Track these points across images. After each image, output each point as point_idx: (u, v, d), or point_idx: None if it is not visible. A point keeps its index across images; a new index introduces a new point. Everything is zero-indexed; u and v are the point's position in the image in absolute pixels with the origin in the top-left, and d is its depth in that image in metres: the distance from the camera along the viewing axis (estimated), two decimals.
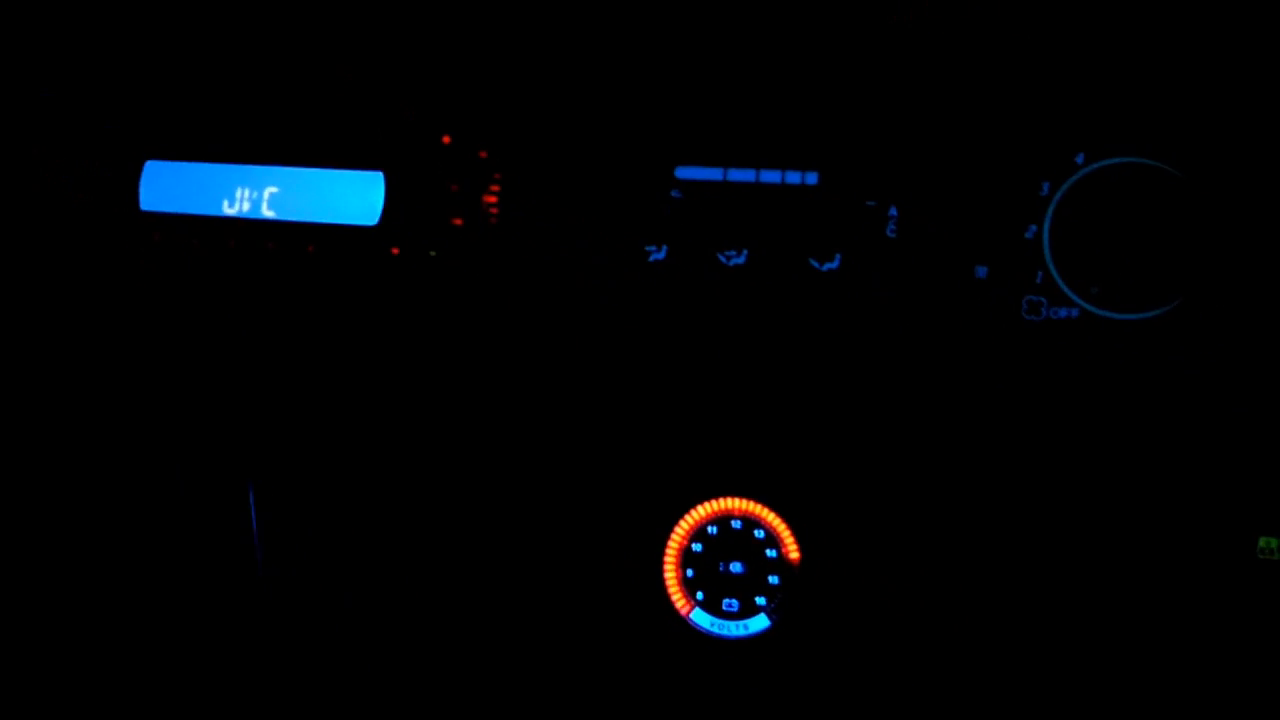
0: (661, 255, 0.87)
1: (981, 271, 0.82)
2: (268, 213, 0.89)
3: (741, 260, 0.86)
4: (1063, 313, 0.81)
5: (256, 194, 0.90)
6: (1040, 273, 0.81)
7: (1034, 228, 0.82)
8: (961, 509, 0.87)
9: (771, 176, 0.86)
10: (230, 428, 0.96)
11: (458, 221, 0.87)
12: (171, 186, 0.91)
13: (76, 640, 0.98)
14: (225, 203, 0.90)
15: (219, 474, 0.96)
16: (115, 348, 0.94)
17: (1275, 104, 0.78)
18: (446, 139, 0.87)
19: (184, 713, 0.96)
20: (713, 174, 0.87)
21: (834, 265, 0.85)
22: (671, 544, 0.93)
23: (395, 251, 0.87)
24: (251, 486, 0.96)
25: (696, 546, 0.92)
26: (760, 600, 0.91)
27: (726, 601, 0.92)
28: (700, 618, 0.92)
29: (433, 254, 0.87)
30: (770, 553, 0.91)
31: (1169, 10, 0.79)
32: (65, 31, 0.94)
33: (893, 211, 0.84)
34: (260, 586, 0.97)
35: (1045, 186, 0.82)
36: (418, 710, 0.95)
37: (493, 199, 0.87)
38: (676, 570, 0.92)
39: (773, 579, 0.91)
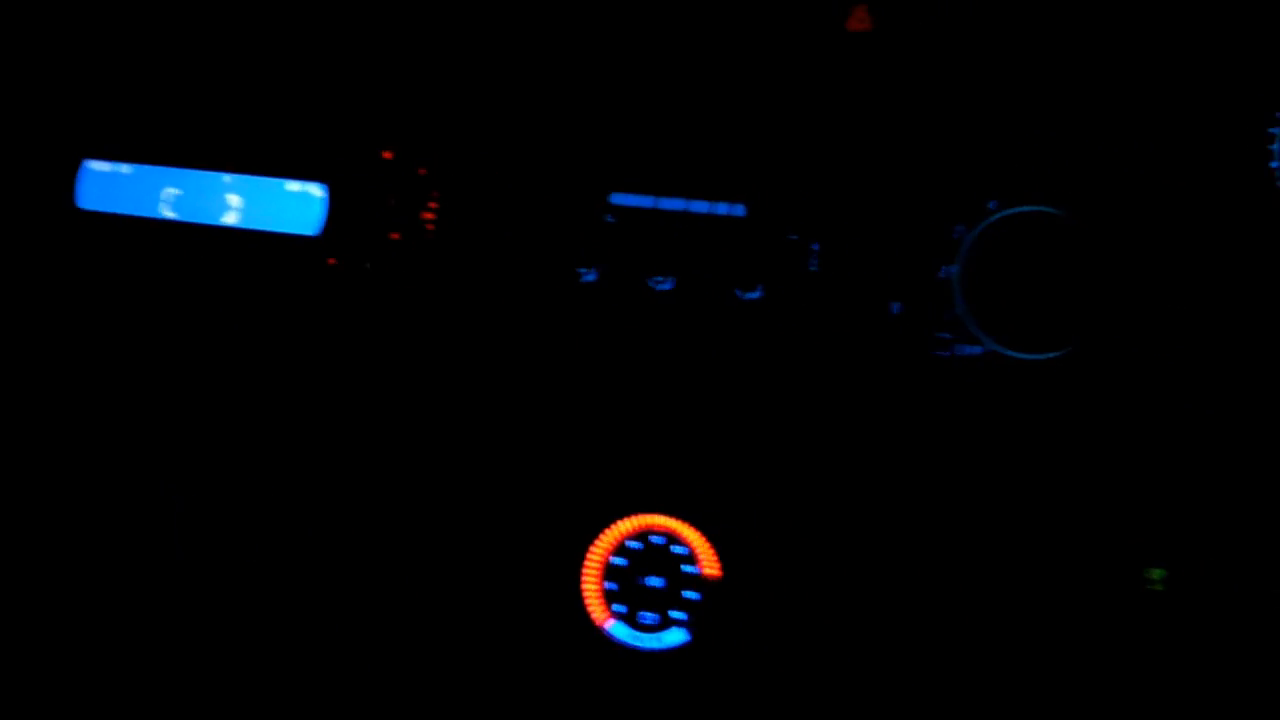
0: (593, 277, 0.89)
1: (896, 307, 0.86)
2: (206, 217, 0.90)
3: (669, 286, 0.89)
4: (969, 350, 0.85)
5: (197, 197, 0.90)
6: (950, 311, 0.85)
7: (947, 269, 0.86)
8: (873, 531, 0.90)
9: (701, 206, 0.89)
10: (157, 432, 0.95)
11: (395, 235, 0.88)
12: (109, 186, 0.92)
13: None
14: (164, 205, 0.91)
15: (144, 479, 0.96)
16: (42, 348, 0.94)
17: (1173, 163, 0.83)
18: (388, 154, 0.89)
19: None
20: (645, 201, 0.89)
21: (757, 295, 0.88)
22: (593, 555, 0.94)
23: (332, 262, 0.88)
24: (177, 496, 0.96)
25: (620, 560, 0.94)
26: (678, 615, 0.93)
27: (644, 615, 0.94)
28: (618, 630, 0.94)
29: (368, 266, 0.88)
30: (689, 569, 0.94)
31: (1086, 67, 0.84)
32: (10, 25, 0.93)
33: (815, 246, 0.87)
34: (178, 601, 0.96)
35: (959, 229, 0.86)
36: (328, 710, 0.95)
37: (430, 215, 0.89)
38: (598, 582, 0.94)
39: (691, 594, 0.93)
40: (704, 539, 0.92)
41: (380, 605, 0.95)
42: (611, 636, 0.93)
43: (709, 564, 0.92)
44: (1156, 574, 0.86)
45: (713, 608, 0.92)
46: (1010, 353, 0.84)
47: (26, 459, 0.96)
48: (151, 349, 0.93)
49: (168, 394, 0.95)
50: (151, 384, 0.94)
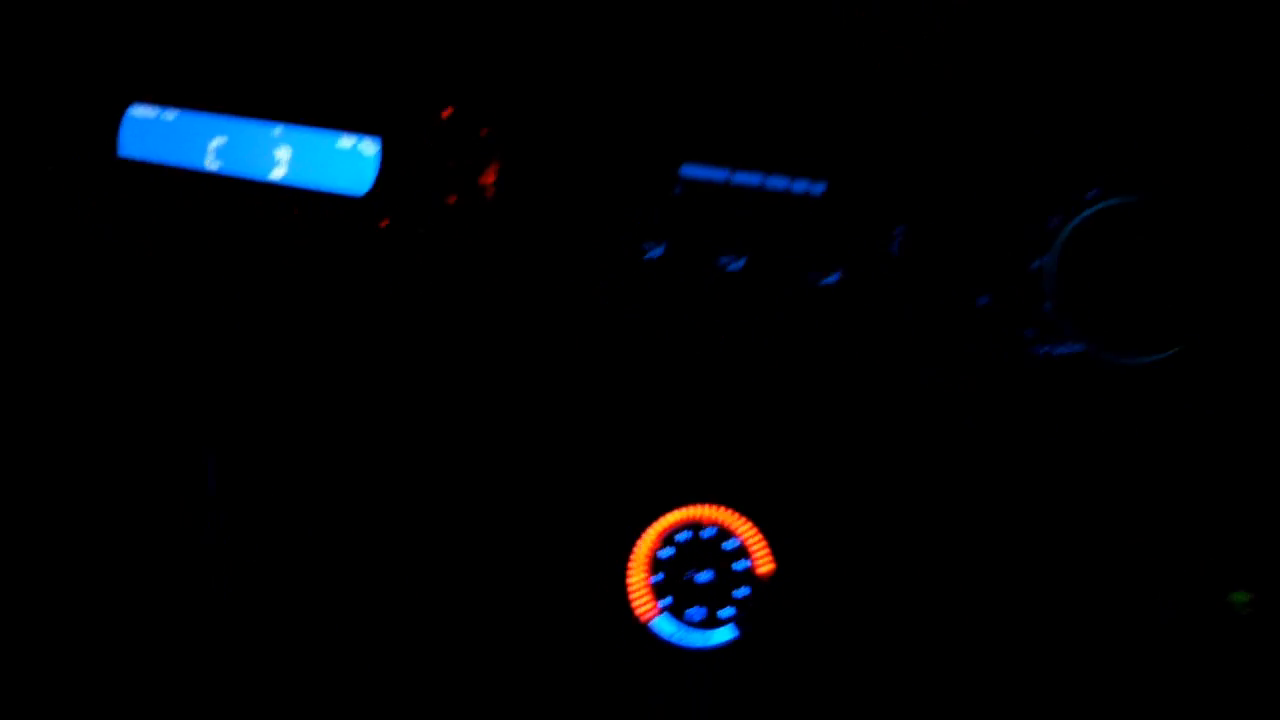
0: (658, 253, 0.85)
1: (984, 300, 0.81)
2: (252, 171, 0.86)
3: (739, 266, 0.84)
4: (1063, 349, 0.80)
5: (242, 149, 0.86)
6: (1043, 306, 0.80)
7: (1040, 260, 0.80)
8: (943, 535, 0.86)
9: (778, 183, 0.84)
10: (194, 396, 0.92)
11: (452, 199, 0.84)
12: (153, 134, 0.88)
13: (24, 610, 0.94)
14: (212, 156, 0.87)
15: (179, 444, 0.93)
16: (79, 303, 0.91)
17: None
18: (448, 112, 0.84)
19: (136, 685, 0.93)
20: (718, 174, 0.84)
21: (833, 280, 0.83)
22: (640, 547, 0.91)
23: (384, 224, 0.84)
24: (211, 460, 0.93)
25: (666, 552, 0.90)
26: (727, 612, 0.89)
27: (692, 611, 0.90)
28: (663, 625, 0.90)
29: (422, 231, 0.84)
30: (740, 564, 0.90)
31: (1198, 50, 0.78)
32: None
33: (899, 230, 0.82)
34: (215, 562, 0.93)
35: (1054, 220, 0.80)
36: (366, 707, 0.92)
37: (490, 179, 0.85)
38: (645, 574, 0.90)
39: (741, 591, 0.89)
40: (758, 533, 0.89)
41: (423, 596, 0.92)
42: (656, 633, 0.90)
43: (762, 559, 0.89)
44: (1241, 598, 0.81)
45: (764, 605, 0.88)
46: (1107, 354, 0.79)
47: (61, 410, 0.94)
48: (188, 308, 0.89)
49: (202, 358, 0.92)
50: (186, 346, 0.91)
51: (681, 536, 0.90)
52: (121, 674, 0.93)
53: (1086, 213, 0.79)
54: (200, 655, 0.93)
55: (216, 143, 0.87)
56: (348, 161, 0.85)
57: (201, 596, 0.94)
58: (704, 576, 0.90)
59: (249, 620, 0.94)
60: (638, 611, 0.90)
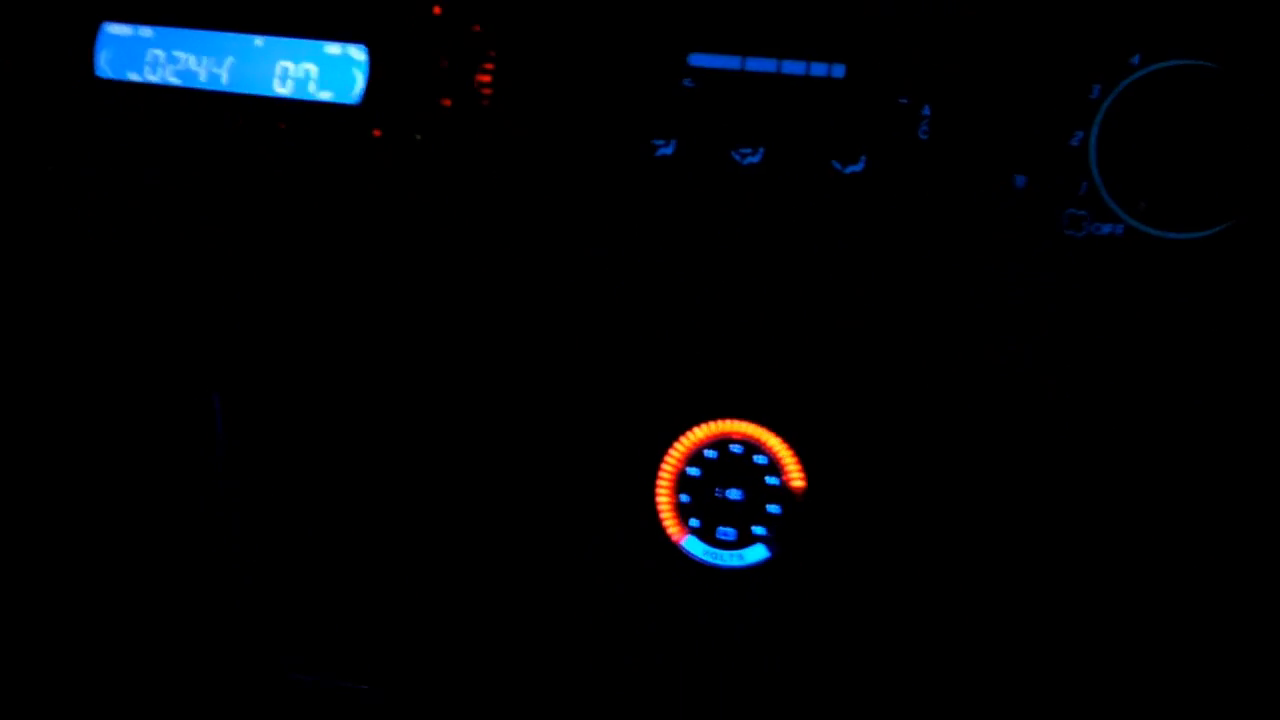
0: (670, 150, 0.80)
1: (1020, 181, 0.76)
2: (236, 85, 0.82)
3: (757, 159, 0.79)
4: (1106, 229, 0.75)
5: (223, 63, 0.82)
6: (1085, 184, 0.75)
7: (1080, 134, 0.75)
8: (981, 440, 0.82)
9: (794, 68, 0.79)
10: (192, 328, 0.90)
11: (446, 102, 0.80)
12: (130, 51, 0.84)
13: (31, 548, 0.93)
14: (191, 72, 0.83)
15: (181, 379, 0.91)
16: (63, 232, 0.88)
17: None
18: (437, 9, 0.80)
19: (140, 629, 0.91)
20: (729, 62, 0.80)
21: (858, 168, 0.78)
22: (666, 468, 0.88)
23: (377, 134, 0.80)
24: (216, 397, 0.90)
25: (693, 471, 0.87)
26: (759, 530, 0.86)
27: (722, 530, 0.87)
28: (693, 546, 0.87)
29: (418, 137, 0.80)
30: (771, 480, 0.86)
31: None
32: None
33: (925, 111, 0.77)
34: (222, 501, 0.91)
35: (1096, 89, 0.75)
36: (390, 633, 0.91)
37: (486, 78, 0.81)
38: (671, 496, 0.87)
39: (773, 508, 0.86)
40: (788, 447, 0.86)
41: (446, 520, 0.90)
42: (687, 553, 0.87)
43: (794, 475, 0.86)
44: None
45: (796, 522, 0.85)
46: (1154, 231, 0.74)
47: (47, 338, 0.92)
48: (178, 231, 0.86)
49: (198, 288, 0.88)
50: (179, 277, 0.88)
51: (709, 454, 0.87)
52: (128, 613, 0.91)
53: (1130, 79, 0.74)
54: (210, 595, 0.91)
55: (197, 58, 0.83)
56: (336, 70, 0.81)
57: (211, 537, 0.92)
58: (734, 494, 0.87)
59: (259, 556, 0.92)
60: (668, 532, 0.87)
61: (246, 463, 0.91)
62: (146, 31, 0.83)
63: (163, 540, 0.92)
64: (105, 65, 0.84)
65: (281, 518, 0.92)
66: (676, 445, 0.87)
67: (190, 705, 0.90)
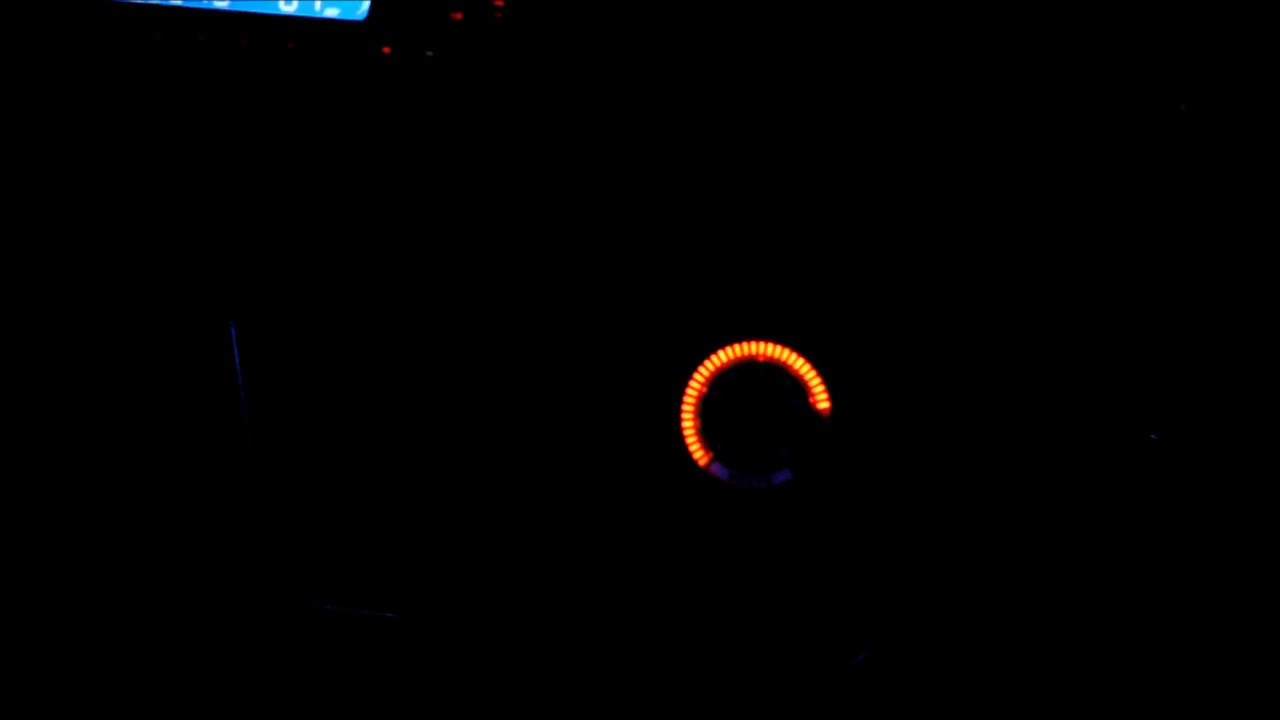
0: None
1: None
2: (239, 3, 0.80)
3: None
4: None
5: None
6: None
7: None
8: (1013, 364, 0.82)
9: None
10: (205, 256, 0.88)
11: (457, 16, 0.78)
12: None
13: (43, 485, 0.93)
14: None
15: (195, 309, 0.89)
16: (64, 158, 0.86)
17: None
18: None
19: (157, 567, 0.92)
20: None
21: None
22: (690, 390, 0.87)
23: (386, 51, 0.78)
24: (233, 325, 0.89)
25: (717, 394, 0.86)
26: (784, 452, 0.86)
27: (747, 452, 0.86)
28: (719, 469, 0.87)
29: (429, 54, 0.78)
30: (796, 402, 0.85)
31: None
32: None
33: None
34: (244, 431, 0.90)
35: None
36: (414, 562, 0.90)
37: None
38: (695, 419, 0.87)
39: (797, 431, 0.85)
40: (813, 369, 0.85)
41: (470, 448, 0.89)
42: (714, 475, 0.87)
43: (819, 396, 0.85)
44: None
45: (821, 444, 0.85)
46: None
47: (67, 280, 0.90)
48: (183, 155, 0.85)
49: (208, 215, 0.87)
50: (187, 203, 0.87)
51: (733, 376, 0.86)
52: (150, 545, 0.92)
53: None
54: (232, 527, 0.91)
55: None
56: None
57: (231, 467, 0.91)
58: (757, 417, 0.85)
59: (280, 486, 0.91)
60: (694, 456, 0.86)
61: (265, 391, 0.90)
62: None
63: (183, 474, 0.92)
64: None
65: (302, 447, 0.92)
66: (700, 369, 0.86)
67: (215, 637, 0.91)
